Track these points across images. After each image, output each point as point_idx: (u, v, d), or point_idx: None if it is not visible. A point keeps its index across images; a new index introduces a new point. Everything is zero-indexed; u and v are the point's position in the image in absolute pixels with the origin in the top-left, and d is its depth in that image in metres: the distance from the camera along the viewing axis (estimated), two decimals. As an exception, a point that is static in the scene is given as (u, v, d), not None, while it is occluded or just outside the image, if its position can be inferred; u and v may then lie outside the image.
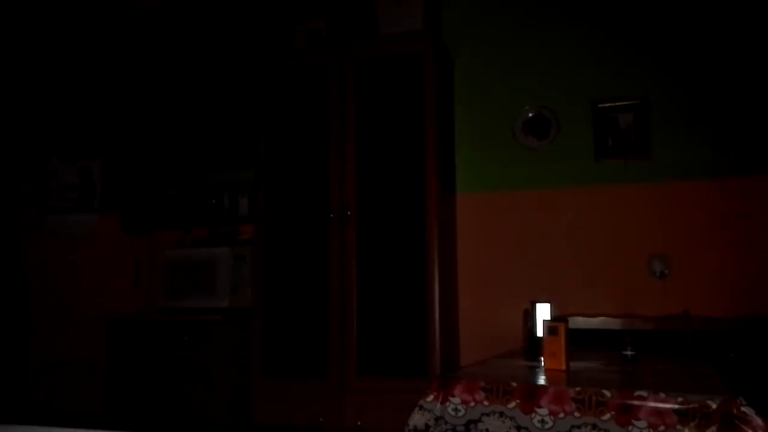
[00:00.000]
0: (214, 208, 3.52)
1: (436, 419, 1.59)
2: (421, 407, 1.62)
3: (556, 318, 2.11)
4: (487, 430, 1.53)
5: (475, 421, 1.54)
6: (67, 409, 3.55)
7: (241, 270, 3.34)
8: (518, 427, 1.50)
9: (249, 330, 3.04)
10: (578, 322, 2.84)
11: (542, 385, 1.53)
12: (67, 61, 3.86)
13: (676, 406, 1.36)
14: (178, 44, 3.89)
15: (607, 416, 1.42)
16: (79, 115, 3.86)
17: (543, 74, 3.19)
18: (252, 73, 3.39)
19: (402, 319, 2.77)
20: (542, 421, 1.47)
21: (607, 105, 3.06)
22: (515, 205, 3.16)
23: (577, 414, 1.44)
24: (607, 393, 1.44)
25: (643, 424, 1.38)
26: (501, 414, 1.52)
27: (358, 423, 2.75)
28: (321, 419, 2.81)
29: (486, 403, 1.54)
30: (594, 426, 1.42)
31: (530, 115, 3.17)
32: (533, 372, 1.82)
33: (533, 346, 2.25)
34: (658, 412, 1.37)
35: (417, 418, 1.61)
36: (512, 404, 1.52)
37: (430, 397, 1.61)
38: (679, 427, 1.34)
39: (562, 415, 1.46)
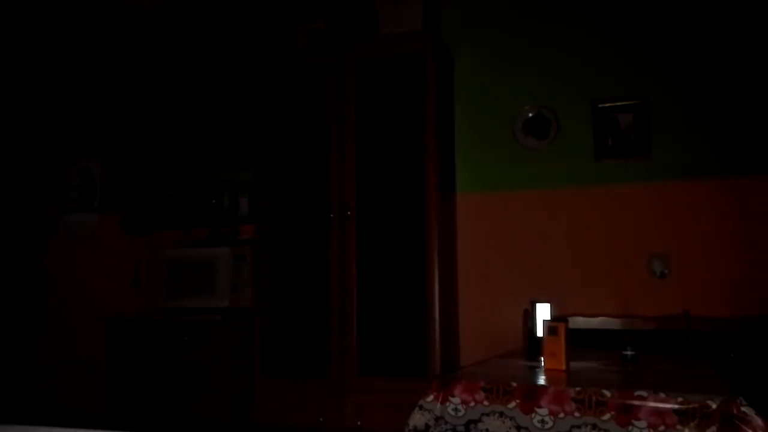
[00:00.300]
0: (214, 208, 3.52)
1: (436, 419, 1.59)
2: (421, 407, 1.62)
3: (556, 318, 2.11)
4: (487, 430, 1.53)
5: (475, 421, 1.54)
6: (67, 409, 3.55)
7: (241, 270, 3.34)
8: (518, 427, 1.50)
9: (249, 330, 3.04)
10: (578, 322, 2.84)
11: (542, 385, 1.53)
12: (67, 61, 3.86)
13: (676, 406, 1.36)
14: (178, 44, 3.89)
15: (607, 416, 1.42)
16: (79, 115, 3.86)
17: (543, 74, 3.19)
18: (252, 73, 3.39)
19: (402, 319, 2.77)
20: (542, 421, 1.47)
21: (607, 105, 3.06)
22: (515, 205, 3.16)
23: (577, 414, 1.44)
24: (607, 393, 1.44)
25: (643, 424, 1.38)
26: (501, 414, 1.52)
27: (358, 423, 2.75)
28: (321, 419, 2.81)
29: (486, 403, 1.54)
30: (594, 426, 1.42)
31: (530, 115, 3.17)
32: (533, 372, 1.82)
33: (533, 346, 2.25)
34: (658, 412, 1.37)
35: (417, 418, 1.61)
36: (512, 404, 1.52)
37: (430, 397, 1.61)
38: (679, 427, 1.34)
39: (562, 415, 1.46)
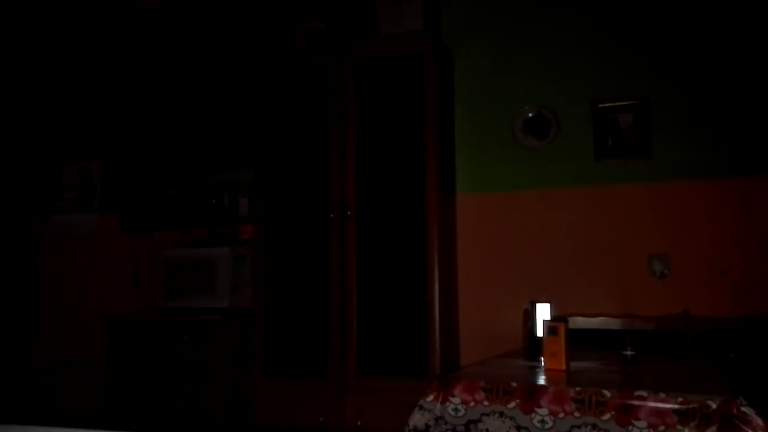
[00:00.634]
0: (214, 208, 3.52)
1: (436, 419, 1.59)
2: (421, 407, 1.62)
3: (556, 318, 2.11)
4: (487, 430, 1.53)
5: (475, 421, 1.54)
6: (67, 409, 3.55)
7: (241, 270, 3.34)
8: (518, 427, 1.50)
9: (249, 330, 3.04)
10: (578, 322, 2.84)
11: (542, 385, 1.53)
12: (68, 61, 3.86)
13: (676, 406, 1.36)
14: (178, 44, 3.89)
15: (607, 416, 1.42)
16: (79, 115, 3.86)
17: (543, 74, 3.19)
18: (252, 74, 3.39)
19: (402, 319, 2.77)
20: (542, 421, 1.47)
21: (607, 105, 3.06)
22: (515, 205, 3.16)
23: (577, 414, 1.44)
24: (607, 393, 1.44)
25: (643, 424, 1.38)
26: (501, 414, 1.52)
27: (358, 423, 2.75)
28: (321, 419, 2.81)
29: (486, 403, 1.54)
30: (594, 426, 1.42)
31: (530, 115, 3.17)
32: (533, 372, 1.82)
33: (533, 346, 2.25)
34: (658, 412, 1.37)
35: (417, 418, 1.61)
36: (512, 404, 1.52)
37: (430, 397, 1.61)
38: (679, 427, 1.34)
39: (562, 415, 1.46)
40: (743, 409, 1.31)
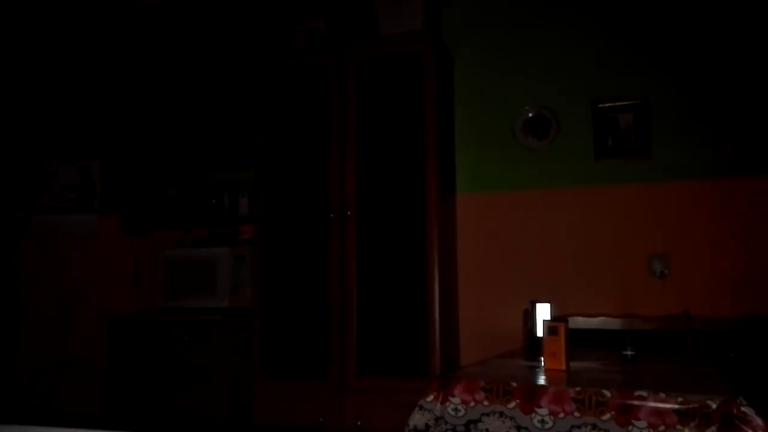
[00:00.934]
0: (214, 208, 3.52)
1: (436, 419, 1.59)
2: (421, 407, 1.62)
3: (556, 318, 2.11)
4: (487, 430, 1.53)
5: (475, 421, 1.54)
6: (67, 409, 3.55)
7: (241, 270, 3.34)
8: (518, 427, 1.50)
9: (249, 330, 3.03)
10: (578, 322, 2.84)
11: (542, 385, 1.53)
12: (67, 60, 3.86)
13: (676, 406, 1.36)
14: (178, 44, 3.89)
15: (607, 416, 1.42)
16: (79, 115, 3.86)
17: (543, 74, 3.19)
18: (252, 74, 3.39)
19: (402, 319, 2.77)
20: (542, 421, 1.47)
21: (607, 105, 3.06)
22: (515, 205, 3.16)
23: (577, 414, 1.44)
24: (607, 393, 1.44)
25: (643, 424, 1.38)
26: (501, 414, 1.52)
27: (358, 423, 2.75)
28: (321, 419, 2.81)
29: (486, 403, 1.54)
30: (594, 426, 1.42)
31: (530, 115, 3.17)
32: (533, 372, 1.82)
33: (533, 346, 2.25)
34: (658, 412, 1.37)
35: (417, 418, 1.61)
36: (512, 404, 1.52)
37: (430, 397, 1.61)
38: (679, 427, 1.34)
39: (562, 415, 1.46)
40: (743, 409, 1.32)
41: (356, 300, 2.84)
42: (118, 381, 3.25)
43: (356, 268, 2.86)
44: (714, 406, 1.33)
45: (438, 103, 2.89)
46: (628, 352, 2.04)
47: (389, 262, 2.83)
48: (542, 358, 1.91)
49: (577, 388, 1.47)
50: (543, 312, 2.23)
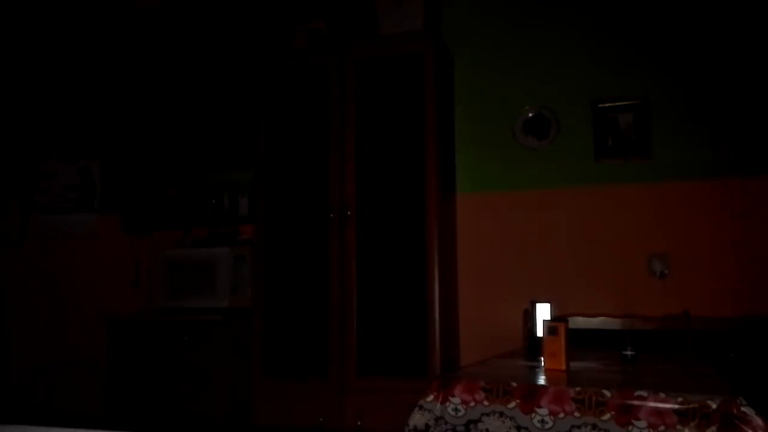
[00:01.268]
0: (214, 208, 3.52)
1: (436, 419, 1.59)
2: (421, 407, 1.62)
3: (556, 318, 2.11)
4: (487, 430, 1.53)
5: (475, 421, 1.54)
6: (67, 409, 3.55)
7: (241, 270, 3.34)
8: (518, 427, 1.50)
9: (249, 330, 3.04)
10: (578, 322, 2.84)
11: (542, 385, 1.53)
12: (67, 60, 3.86)
13: (676, 406, 1.36)
14: (178, 44, 3.89)
15: (607, 416, 1.42)
16: (79, 115, 3.86)
17: (543, 74, 3.19)
18: (252, 74, 3.39)
19: (402, 319, 2.77)
20: (542, 421, 1.47)
21: (607, 105, 3.06)
22: (515, 205, 3.16)
23: (577, 414, 1.44)
24: (607, 393, 1.44)
25: (643, 424, 1.38)
26: (501, 414, 1.52)
27: (358, 423, 2.75)
28: (321, 419, 2.81)
29: (486, 403, 1.54)
30: (594, 426, 1.42)
31: (530, 115, 3.17)
32: (533, 372, 1.82)
33: (533, 346, 2.25)
34: (658, 412, 1.37)
35: (417, 418, 1.61)
36: (512, 404, 1.52)
37: (430, 397, 1.61)
38: (679, 427, 1.34)
39: (562, 415, 1.46)
40: (743, 409, 1.31)
41: (356, 300, 2.84)
42: (118, 381, 3.24)
43: (356, 268, 2.86)
44: (714, 406, 1.33)
45: (438, 103, 2.89)
46: (628, 352, 2.04)
47: (389, 263, 2.83)
48: (542, 358, 1.91)
49: (577, 388, 1.47)
50: (543, 312, 2.23)
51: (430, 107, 2.84)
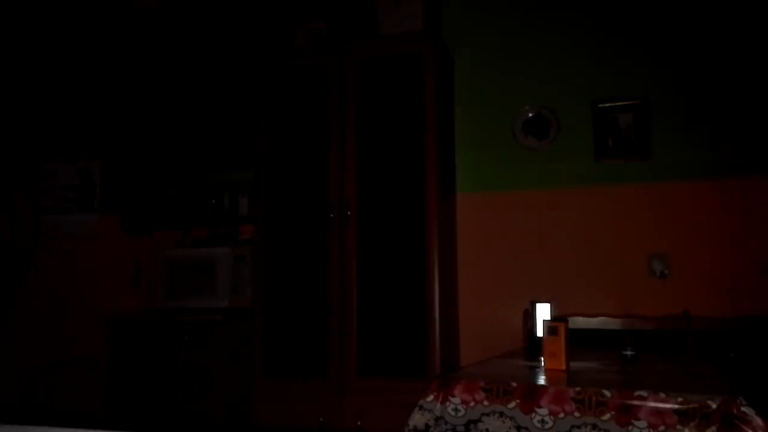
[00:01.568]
0: (214, 208, 3.52)
1: (436, 419, 1.59)
2: (421, 407, 1.62)
3: (556, 318, 2.11)
4: (487, 430, 1.53)
5: (475, 421, 1.54)
6: (67, 409, 3.55)
7: (241, 270, 3.34)
8: (518, 427, 1.50)
9: (249, 330, 3.04)
10: (578, 322, 2.84)
11: (542, 385, 1.53)
12: (67, 60, 3.86)
13: (676, 406, 1.36)
14: (178, 44, 3.89)
15: (607, 416, 1.42)
16: (79, 115, 3.86)
17: (543, 74, 3.19)
18: (252, 73, 3.39)
19: (402, 320, 2.77)
20: (542, 421, 1.47)
21: (607, 105, 3.06)
22: (515, 205, 3.16)
23: (577, 414, 1.44)
24: (607, 393, 1.44)
25: (643, 424, 1.38)
26: (501, 414, 1.52)
27: (358, 423, 2.75)
28: (321, 419, 2.81)
29: (486, 403, 1.54)
30: (594, 426, 1.42)
31: (530, 115, 3.17)
32: (533, 372, 1.82)
33: (533, 346, 2.25)
34: (658, 412, 1.37)
35: (417, 418, 1.61)
36: (512, 404, 1.52)
37: (430, 397, 1.61)
38: (679, 427, 1.34)
39: (562, 415, 1.46)
40: (743, 409, 1.31)
41: (356, 300, 2.84)
42: (118, 381, 3.24)
43: (356, 268, 2.86)
44: (714, 406, 1.33)
45: (438, 103, 2.89)
46: (628, 352, 2.04)
47: (389, 263, 2.83)
48: (542, 358, 1.91)
49: (577, 388, 1.47)
50: (543, 312, 2.23)
51: (430, 107, 2.84)
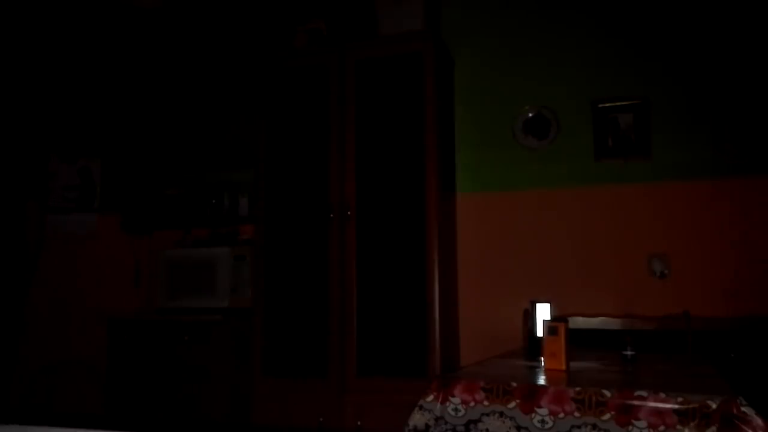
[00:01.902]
0: (214, 208, 3.52)
1: (436, 419, 1.59)
2: (421, 407, 1.62)
3: (556, 318, 2.11)
4: (487, 430, 1.53)
5: (475, 421, 1.54)
6: (67, 409, 3.55)
7: (241, 270, 3.34)
8: (518, 427, 1.50)
9: (249, 330, 3.04)
10: (578, 322, 2.84)
11: (542, 385, 1.53)
12: (67, 61, 3.86)
13: (676, 406, 1.36)
14: (178, 44, 3.89)
15: (607, 416, 1.42)
16: (79, 115, 3.86)
17: (543, 74, 3.19)
18: (252, 74, 3.39)
19: (402, 319, 2.77)
20: (542, 421, 1.47)
21: (607, 105, 3.06)
22: (515, 205, 3.16)
23: (577, 414, 1.44)
24: (607, 393, 1.44)
25: (643, 424, 1.38)
26: (501, 414, 1.52)
27: (358, 423, 2.75)
28: (321, 419, 2.81)
29: (486, 403, 1.54)
30: (594, 426, 1.42)
31: (530, 115, 3.17)
32: (533, 372, 1.82)
33: (533, 346, 2.25)
34: (658, 412, 1.37)
35: (417, 418, 1.61)
36: (512, 404, 1.51)
37: (430, 397, 1.61)
38: (679, 427, 1.34)
39: (562, 415, 1.46)
40: (743, 409, 1.31)
41: (356, 300, 2.84)
42: (118, 381, 3.24)
43: (356, 268, 2.86)
44: (714, 406, 1.33)
45: (438, 103, 2.89)
46: (628, 352, 2.04)
47: (389, 263, 2.83)
48: (542, 358, 1.91)
49: (577, 388, 1.47)
50: (543, 312, 2.23)
51: (430, 107, 2.84)
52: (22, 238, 3.66)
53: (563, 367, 1.80)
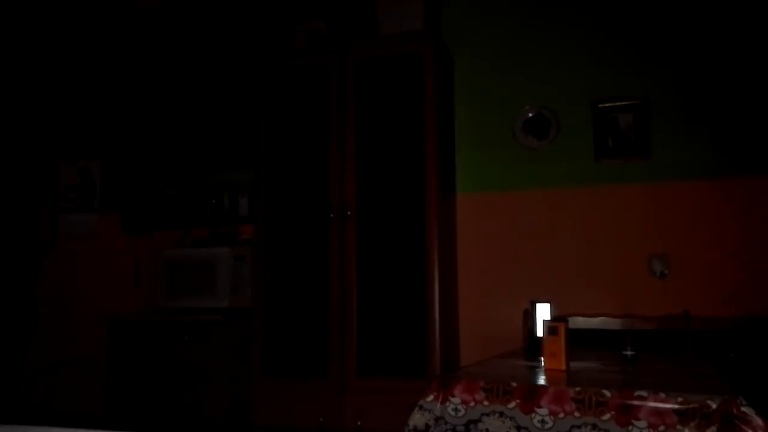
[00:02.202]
0: (214, 208, 3.52)
1: (436, 419, 1.59)
2: (421, 407, 1.62)
3: (556, 318, 2.11)
4: (487, 430, 1.53)
5: (475, 421, 1.54)
6: (67, 409, 3.55)
7: (241, 270, 3.34)
8: (518, 427, 1.50)
9: (249, 330, 3.04)
10: (578, 322, 2.84)
11: (542, 385, 1.53)
12: (67, 61, 3.86)
13: (676, 406, 1.36)
14: (178, 44, 3.89)
15: (607, 416, 1.42)
16: (79, 115, 3.86)
17: (543, 74, 3.19)
18: (252, 74, 3.39)
19: (402, 319, 2.77)
20: (542, 421, 1.47)
21: (607, 105, 3.06)
22: (515, 205, 3.16)
23: (577, 414, 1.44)
24: (607, 393, 1.44)
25: (643, 424, 1.38)
26: (501, 414, 1.52)
27: (358, 423, 2.75)
28: (321, 419, 2.81)
29: (486, 403, 1.54)
30: (594, 426, 1.42)
31: (530, 115, 3.17)
32: (533, 372, 1.82)
33: (533, 346, 2.25)
34: (658, 412, 1.37)
35: (417, 418, 1.61)
36: (512, 404, 1.52)
37: (430, 397, 1.61)
38: (679, 427, 1.34)
39: (562, 415, 1.46)
40: (743, 409, 1.31)
41: (356, 300, 2.84)
42: (118, 381, 3.24)
43: (356, 268, 2.86)
44: (714, 406, 1.33)
45: (438, 104, 2.88)
46: (628, 352, 2.04)
47: (389, 263, 2.83)
48: (542, 358, 1.91)
49: (577, 388, 1.47)
50: (543, 312, 2.23)
51: (430, 107, 2.84)
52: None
53: (563, 367, 1.80)
